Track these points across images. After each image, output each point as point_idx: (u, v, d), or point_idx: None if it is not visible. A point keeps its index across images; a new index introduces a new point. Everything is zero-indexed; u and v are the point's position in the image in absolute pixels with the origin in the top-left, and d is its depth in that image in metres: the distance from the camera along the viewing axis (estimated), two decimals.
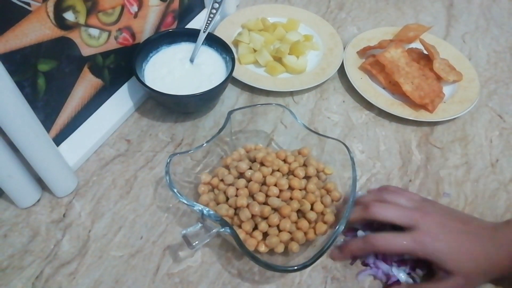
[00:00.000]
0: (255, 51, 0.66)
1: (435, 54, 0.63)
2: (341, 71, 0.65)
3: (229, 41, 0.65)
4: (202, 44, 0.59)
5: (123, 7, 0.53)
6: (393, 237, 0.42)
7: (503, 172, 0.54)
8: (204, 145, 0.48)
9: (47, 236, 0.46)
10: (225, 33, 0.68)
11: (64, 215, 0.48)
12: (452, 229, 0.42)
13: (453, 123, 0.60)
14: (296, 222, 0.43)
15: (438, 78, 0.61)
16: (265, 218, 0.43)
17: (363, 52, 0.67)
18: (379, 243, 0.42)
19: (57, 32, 0.45)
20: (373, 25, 0.75)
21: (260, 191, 0.45)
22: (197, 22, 0.69)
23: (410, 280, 0.44)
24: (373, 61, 0.63)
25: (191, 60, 0.59)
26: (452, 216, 0.44)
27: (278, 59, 0.64)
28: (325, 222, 0.44)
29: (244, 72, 0.63)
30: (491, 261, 0.41)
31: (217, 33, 0.66)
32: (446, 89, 0.62)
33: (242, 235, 0.42)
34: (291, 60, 0.64)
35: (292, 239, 0.43)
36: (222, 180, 0.47)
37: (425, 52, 0.65)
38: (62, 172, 0.48)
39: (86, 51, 0.50)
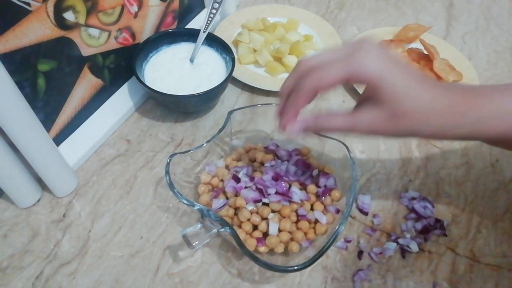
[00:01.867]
0: (255, 51, 0.66)
1: (435, 54, 0.63)
2: None
3: (229, 41, 0.64)
4: (202, 44, 0.59)
5: (123, 7, 0.53)
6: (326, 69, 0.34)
7: (503, 172, 0.54)
8: (204, 145, 0.48)
9: (47, 236, 0.46)
10: (225, 33, 0.68)
11: (64, 215, 0.48)
12: (404, 65, 0.34)
13: None
14: (296, 222, 0.43)
15: (438, 78, 0.61)
16: (264, 219, 0.43)
17: None
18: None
19: (57, 32, 0.45)
20: (373, 25, 0.75)
21: None
22: (197, 22, 0.69)
23: None
24: None
25: (191, 60, 0.59)
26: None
27: (278, 59, 0.64)
28: None
29: (244, 72, 0.63)
30: (445, 105, 0.33)
31: (217, 33, 0.66)
32: None
33: (242, 235, 0.42)
34: (291, 60, 0.64)
35: (292, 239, 0.43)
36: (222, 180, 0.47)
37: (425, 52, 0.65)
38: (62, 172, 0.48)
39: (86, 51, 0.50)
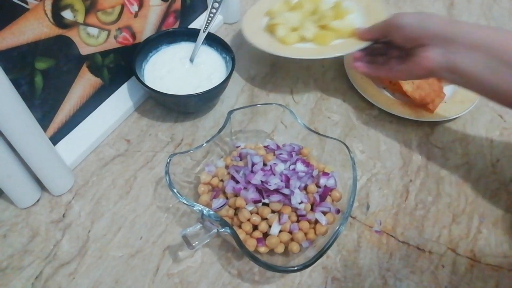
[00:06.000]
0: (294, 30, 0.60)
1: None
2: (342, 70, 0.65)
3: (260, 31, 0.61)
4: (202, 43, 0.59)
5: (123, 6, 0.52)
6: None
7: (503, 172, 0.54)
8: (204, 145, 0.48)
9: (46, 236, 0.46)
10: (252, 25, 0.62)
11: (63, 215, 0.48)
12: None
13: (454, 123, 0.60)
14: (296, 222, 0.43)
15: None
16: (265, 219, 0.43)
17: None
18: None
19: (55, 31, 0.45)
20: None
21: None
22: (200, 22, 0.69)
23: None
24: None
25: (191, 60, 0.59)
26: None
27: (324, 28, 0.60)
28: None
29: (295, 52, 0.58)
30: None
31: (243, 25, 0.61)
32: (447, 89, 0.62)
33: (242, 235, 0.42)
34: (338, 23, 0.59)
35: (292, 240, 0.43)
36: (222, 180, 0.46)
37: None
38: (58, 170, 0.47)
39: (84, 50, 0.50)
